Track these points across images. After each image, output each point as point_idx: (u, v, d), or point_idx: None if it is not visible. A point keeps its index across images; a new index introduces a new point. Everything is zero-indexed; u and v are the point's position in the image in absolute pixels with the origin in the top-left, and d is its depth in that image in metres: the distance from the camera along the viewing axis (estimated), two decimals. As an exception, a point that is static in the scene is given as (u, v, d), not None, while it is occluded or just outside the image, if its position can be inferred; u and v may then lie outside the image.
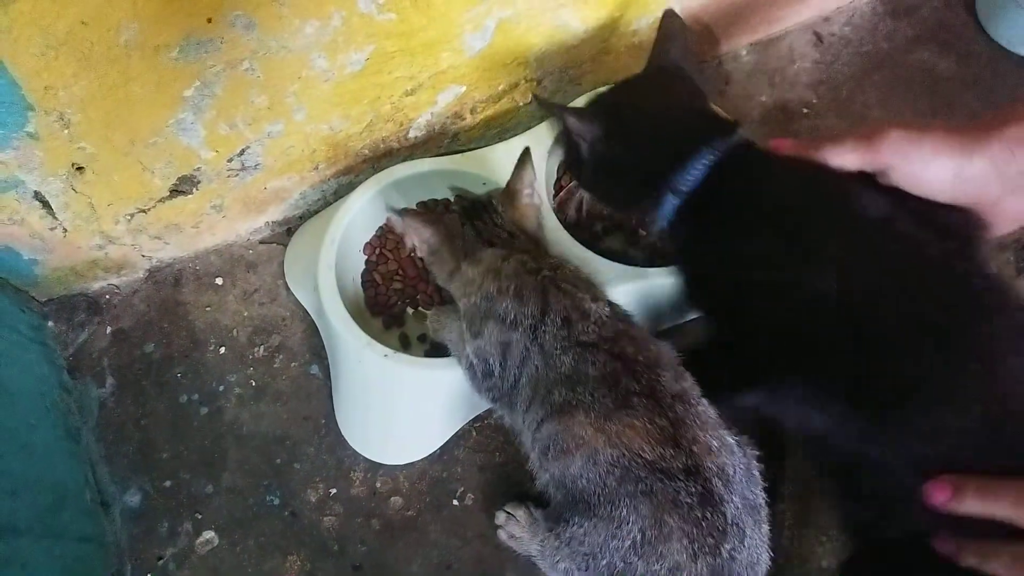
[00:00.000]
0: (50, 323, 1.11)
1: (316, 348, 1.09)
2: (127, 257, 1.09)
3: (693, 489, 0.69)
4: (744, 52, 1.32)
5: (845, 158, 0.76)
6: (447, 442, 1.03)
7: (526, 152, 0.91)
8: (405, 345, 1.05)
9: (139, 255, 1.10)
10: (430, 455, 1.02)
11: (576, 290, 0.79)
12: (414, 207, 1.06)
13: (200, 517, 1.00)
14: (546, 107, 0.98)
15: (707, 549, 0.69)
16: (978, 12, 1.33)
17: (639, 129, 0.88)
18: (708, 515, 0.69)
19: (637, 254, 1.09)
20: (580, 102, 1.04)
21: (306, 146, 1.03)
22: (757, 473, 0.77)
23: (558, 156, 1.11)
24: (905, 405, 0.71)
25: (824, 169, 0.80)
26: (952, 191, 0.73)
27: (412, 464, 1.02)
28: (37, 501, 0.90)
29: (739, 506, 0.72)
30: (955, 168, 0.71)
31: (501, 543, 0.94)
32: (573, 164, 0.98)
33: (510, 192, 0.90)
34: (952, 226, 0.76)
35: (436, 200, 1.08)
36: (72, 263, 1.06)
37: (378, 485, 1.01)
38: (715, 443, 0.73)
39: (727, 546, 0.70)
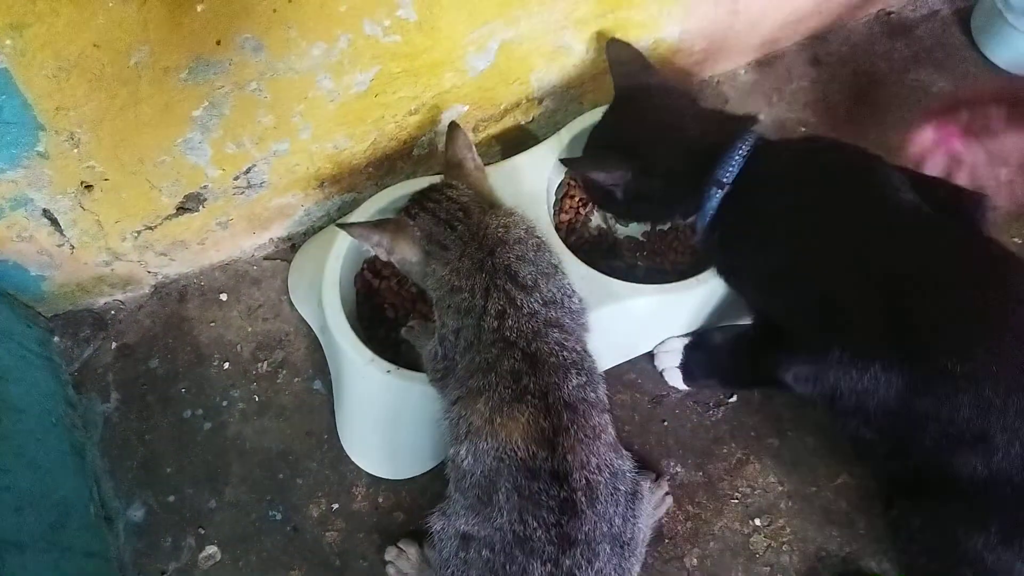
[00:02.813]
0: (56, 338, 1.12)
1: (319, 363, 1.10)
2: (133, 273, 1.11)
3: (556, 492, 0.72)
4: (743, 71, 1.33)
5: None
6: (449, 458, 1.03)
7: (453, 124, 0.92)
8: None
9: (145, 271, 1.11)
10: (432, 470, 1.03)
11: (512, 286, 0.81)
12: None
13: (203, 532, 1.00)
14: (570, 165, 1.04)
15: (547, 555, 0.73)
16: (974, 33, 1.34)
17: (668, 151, 0.92)
18: (563, 523, 0.72)
19: (640, 270, 1.11)
20: (570, 131, 1.08)
21: (311, 164, 1.05)
22: (640, 509, 0.80)
23: (560, 176, 1.13)
24: (938, 357, 0.77)
25: (851, 153, 0.91)
26: None
27: (414, 479, 1.03)
28: (42, 516, 0.90)
29: (597, 528, 0.74)
30: None
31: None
32: (605, 204, 1.04)
33: (454, 164, 0.91)
34: (962, 207, 0.87)
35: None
36: (78, 279, 1.07)
37: (380, 500, 1.02)
38: (594, 459, 0.75)
39: (567, 561, 0.73)
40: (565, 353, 0.78)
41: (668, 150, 0.92)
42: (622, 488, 0.77)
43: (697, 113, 0.96)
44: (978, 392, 0.75)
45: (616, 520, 0.76)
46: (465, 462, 0.77)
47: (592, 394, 0.79)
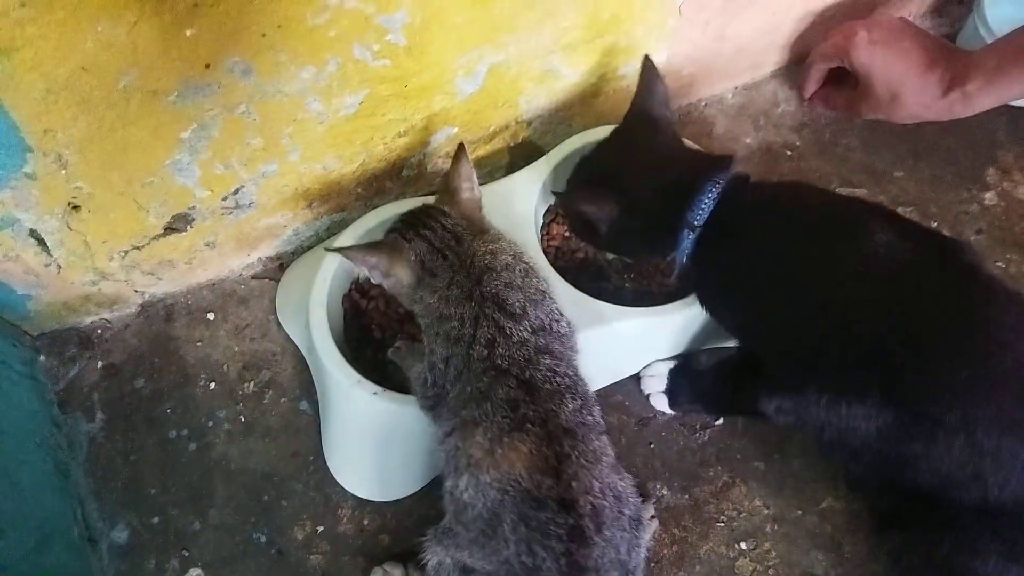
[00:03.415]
0: (41, 357, 1.11)
1: (306, 384, 1.10)
2: (120, 292, 1.10)
3: (564, 520, 0.72)
4: (730, 95, 1.35)
5: (827, 63, 0.93)
6: (435, 479, 1.03)
7: (461, 147, 0.91)
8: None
9: (132, 290, 1.11)
10: (418, 492, 1.03)
11: (501, 315, 0.80)
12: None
13: (187, 554, 1.00)
14: (560, 197, 1.04)
15: None
16: (957, 59, 1.36)
17: (647, 192, 0.92)
18: (573, 551, 0.72)
19: (627, 292, 1.11)
20: (559, 154, 1.09)
21: (300, 185, 1.05)
22: (643, 536, 0.80)
23: (547, 200, 1.14)
24: (926, 401, 0.77)
25: (828, 194, 0.91)
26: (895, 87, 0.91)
27: (400, 501, 1.03)
28: (24, 538, 0.90)
29: (605, 555, 0.74)
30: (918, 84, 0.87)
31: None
32: (585, 235, 1.03)
33: (451, 189, 0.90)
34: (939, 247, 0.85)
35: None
36: (65, 298, 1.07)
37: (366, 523, 1.02)
38: (597, 484, 0.75)
39: None
40: (558, 379, 0.78)
41: (649, 190, 0.92)
42: (626, 513, 0.77)
43: (678, 152, 0.96)
44: (970, 435, 0.75)
45: (622, 547, 0.76)
46: (466, 495, 0.76)
47: (589, 417, 0.79)
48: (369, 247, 0.89)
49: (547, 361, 0.79)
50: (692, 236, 0.89)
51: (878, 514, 0.96)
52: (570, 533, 0.72)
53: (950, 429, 0.76)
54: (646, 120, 0.96)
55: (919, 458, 0.78)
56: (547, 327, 0.83)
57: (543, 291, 0.85)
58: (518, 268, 0.84)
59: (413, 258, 0.86)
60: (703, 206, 0.88)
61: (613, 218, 0.94)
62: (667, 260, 1.01)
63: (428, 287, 0.85)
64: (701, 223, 0.89)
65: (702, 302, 0.96)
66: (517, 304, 0.81)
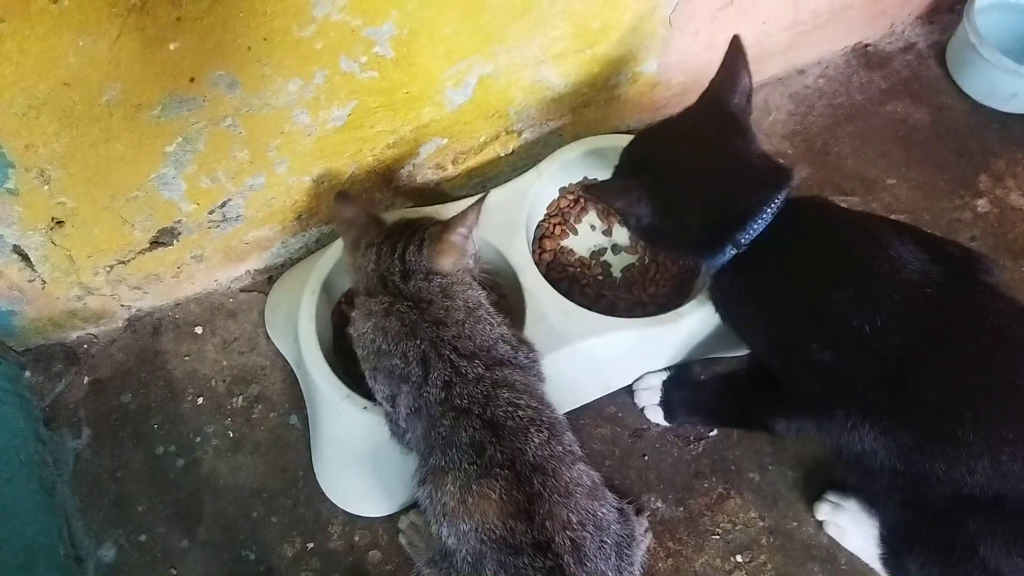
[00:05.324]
0: (27, 373, 1.09)
1: (295, 398, 1.09)
2: (106, 307, 1.09)
3: (541, 564, 0.71)
4: (722, 103, 1.34)
5: None
6: (427, 494, 1.02)
7: (482, 198, 0.89)
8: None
9: (118, 305, 1.10)
10: (409, 507, 1.01)
11: (456, 356, 0.80)
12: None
13: (175, 572, 0.98)
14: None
15: None
16: (948, 66, 1.36)
17: (697, 198, 0.88)
18: None
19: (620, 303, 1.10)
20: (550, 163, 1.09)
21: (288, 197, 1.04)
22: (635, 553, 0.80)
23: (542, 210, 1.13)
24: (951, 423, 0.76)
25: (859, 220, 0.88)
26: None
27: (391, 517, 1.01)
28: (8, 558, 0.88)
29: None
30: None
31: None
32: (627, 222, 1.00)
33: (448, 225, 0.88)
34: (965, 266, 0.84)
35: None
36: (50, 314, 1.06)
37: (356, 539, 1.00)
38: (574, 517, 0.74)
39: None
40: (520, 412, 0.78)
41: (700, 196, 0.88)
42: (609, 540, 0.76)
43: (738, 160, 0.89)
44: (994, 457, 0.74)
45: (610, 574, 0.75)
46: (449, 540, 0.76)
47: (558, 447, 0.78)
48: (358, 223, 0.92)
49: (506, 395, 0.79)
50: (734, 252, 0.87)
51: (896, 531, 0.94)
52: (549, 574, 0.71)
53: (973, 450, 0.75)
54: (717, 112, 0.91)
55: (940, 480, 0.77)
56: (503, 361, 0.83)
57: (495, 337, 0.85)
58: (467, 323, 0.84)
59: (365, 266, 0.88)
60: (754, 228, 0.85)
61: (642, 216, 0.91)
62: (681, 266, 0.98)
63: (363, 310, 0.85)
64: (747, 243, 0.86)
65: (725, 317, 0.94)
66: (467, 348, 0.82)
